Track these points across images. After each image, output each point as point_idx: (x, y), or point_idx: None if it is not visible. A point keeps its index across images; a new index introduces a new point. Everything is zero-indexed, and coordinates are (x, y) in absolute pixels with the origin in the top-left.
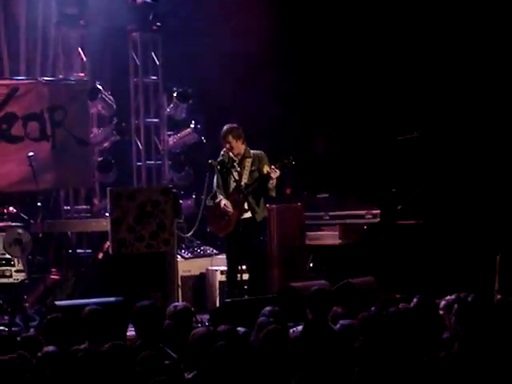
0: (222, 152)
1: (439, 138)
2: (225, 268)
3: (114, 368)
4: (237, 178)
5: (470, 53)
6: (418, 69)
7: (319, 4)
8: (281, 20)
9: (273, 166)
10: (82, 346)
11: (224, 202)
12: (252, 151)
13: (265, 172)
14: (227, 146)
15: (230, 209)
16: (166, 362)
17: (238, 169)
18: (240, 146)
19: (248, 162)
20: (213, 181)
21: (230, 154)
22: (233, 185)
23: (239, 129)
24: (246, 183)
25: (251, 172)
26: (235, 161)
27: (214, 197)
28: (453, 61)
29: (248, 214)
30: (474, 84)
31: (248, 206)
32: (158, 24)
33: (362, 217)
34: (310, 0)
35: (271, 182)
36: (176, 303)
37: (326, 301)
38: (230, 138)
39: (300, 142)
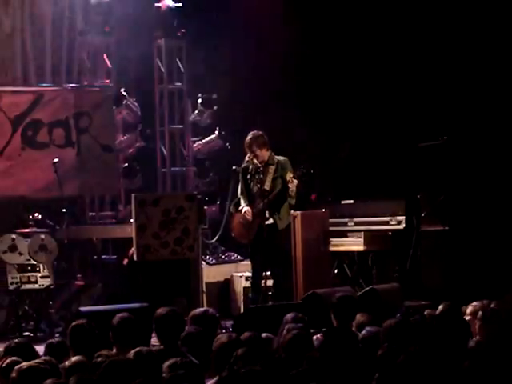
0: (246, 158)
1: (464, 143)
2: (249, 274)
3: (140, 374)
4: (259, 184)
5: (494, 58)
6: (443, 75)
7: (342, 14)
8: (305, 28)
9: (291, 175)
10: (105, 352)
11: (245, 209)
12: (276, 157)
13: (287, 179)
14: (251, 154)
15: (249, 216)
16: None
17: (261, 176)
18: (264, 154)
19: (271, 169)
20: (237, 187)
21: (255, 160)
22: (256, 191)
23: (263, 136)
24: (268, 190)
25: (274, 179)
26: (259, 167)
27: (238, 204)
28: (476, 66)
29: (271, 221)
30: (501, 89)
31: (269, 212)
32: (183, 30)
33: (386, 223)
34: (332, 11)
35: (290, 190)
36: (203, 308)
37: (350, 307)
38: (254, 147)
39: (325, 148)
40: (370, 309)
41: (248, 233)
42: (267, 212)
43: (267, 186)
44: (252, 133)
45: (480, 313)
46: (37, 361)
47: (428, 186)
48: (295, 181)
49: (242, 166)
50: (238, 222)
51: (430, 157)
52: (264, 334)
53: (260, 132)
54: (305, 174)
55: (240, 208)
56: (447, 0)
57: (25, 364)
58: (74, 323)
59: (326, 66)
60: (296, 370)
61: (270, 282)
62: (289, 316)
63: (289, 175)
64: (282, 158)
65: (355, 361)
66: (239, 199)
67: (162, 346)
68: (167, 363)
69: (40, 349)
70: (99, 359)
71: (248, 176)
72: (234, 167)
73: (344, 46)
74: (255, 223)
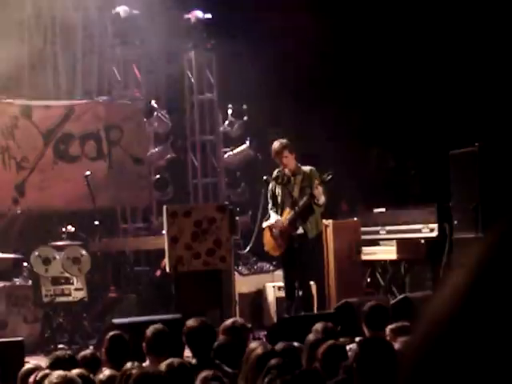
0: (276, 170)
1: (496, 149)
2: (282, 284)
3: None
4: (289, 194)
5: None
6: (476, 81)
7: (370, 22)
8: (333, 37)
9: (316, 182)
10: (135, 364)
11: (273, 222)
12: (302, 167)
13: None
14: (283, 160)
15: (277, 229)
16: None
17: (290, 185)
18: (292, 161)
19: (298, 179)
20: (267, 198)
21: (286, 170)
22: (287, 202)
23: (288, 144)
24: (297, 200)
25: (302, 189)
26: (289, 177)
27: (268, 217)
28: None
29: (301, 230)
30: None
31: (299, 222)
32: (213, 42)
33: (418, 231)
34: (361, 21)
35: (316, 199)
36: (232, 319)
37: (382, 317)
38: (286, 152)
39: (355, 154)
40: (404, 318)
41: (280, 244)
42: (297, 222)
43: (296, 195)
44: (279, 140)
45: None
46: (68, 374)
47: (460, 193)
48: (320, 187)
49: (273, 176)
50: (269, 235)
51: (461, 164)
52: (296, 344)
53: (286, 140)
54: (331, 179)
55: (270, 222)
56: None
57: (55, 377)
58: (109, 335)
59: (356, 72)
60: (332, 381)
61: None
62: (318, 326)
63: (315, 183)
64: (308, 167)
65: (392, 371)
66: (269, 214)
67: (194, 359)
68: (201, 376)
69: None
70: (130, 371)
71: (277, 187)
72: (264, 177)
73: (373, 50)
74: (286, 234)
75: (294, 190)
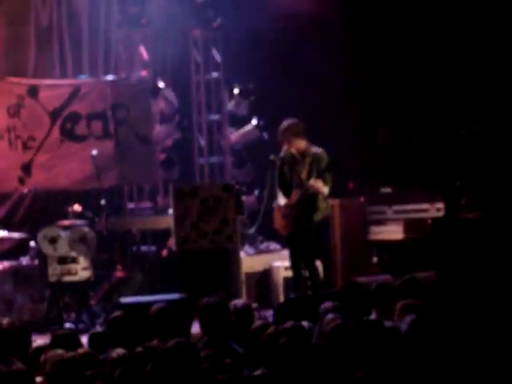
0: (283, 150)
1: (503, 129)
2: (288, 264)
3: (179, 366)
4: (297, 175)
5: None
6: (483, 61)
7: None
8: (346, 16)
9: (311, 181)
10: (147, 344)
11: (284, 201)
12: (313, 148)
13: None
14: (286, 142)
15: (286, 210)
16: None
17: (298, 167)
18: (300, 143)
19: (307, 161)
20: (274, 177)
21: (292, 150)
22: (295, 182)
23: (298, 125)
24: (304, 181)
25: (310, 171)
26: (296, 158)
27: (278, 197)
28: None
29: (308, 211)
30: None
31: (307, 203)
32: (219, 21)
33: (426, 211)
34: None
35: (320, 196)
36: (235, 301)
37: (388, 296)
38: (290, 135)
39: (363, 135)
40: (411, 297)
41: (287, 224)
42: (304, 203)
43: (304, 177)
44: (287, 121)
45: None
46: (73, 353)
47: (467, 172)
48: (318, 181)
49: (280, 156)
50: (278, 214)
51: (468, 144)
52: (304, 323)
53: (296, 120)
54: (333, 166)
55: (279, 201)
56: None
57: (59, 356)
58: (112, 315)
59: (366, 52)
60: (337, 360)
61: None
62: (327, 305)
63: (311, 181)
64: (319, 149)
65: (397, 350)
66: (279, 193)
67: (206, 337)
68: (203, 354)
69: (81, 340)
70: (140, 350)
71: (285, 167)
72: (271, 157)
73: (380, 31)
74: (293, 214)
75: (302, 170)
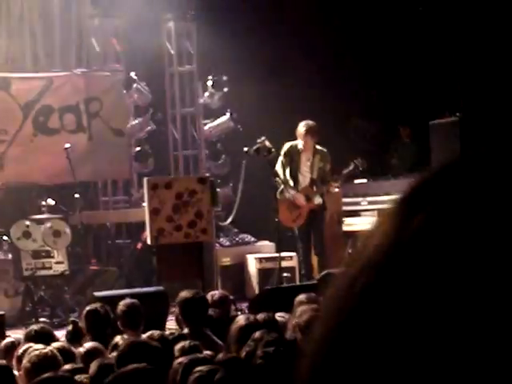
0: (289, 144)
1: (477, 119)
2: (263, 256)
3: (152, 359)
4: (308, 171)
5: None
6: (456, 52)
7: None
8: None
9: (335, 184)
10: (118, 337)
11: (298, 195)
12: (317, 147)
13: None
14: (305, 140)
15: (303, 201)
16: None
17: (308, 163)
18: (312, 143)
19: (317, 158)
20: (250, 170)
21: (299, 146)
22: (304, 177)
23: (316, 127)
24: (315, 179)
25: (319, 168)
26: (307, 155)
27: (285, 190)
28: (491, 43)
29: (319, 200)
30: None
31: (317, 197)
32: (192, 12)
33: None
34: None
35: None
36: (213, 292)
37: None
38: (314, 135)
39: (337, 125)
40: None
41: (297, 218)
42: (315, 197)
43: (315, 175)
44: (308, 123)
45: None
46: (51, 347)
47: (440, 163)
48: (335, 185)
49: (286, 148)
50: (284, 207)
51: (442, 134)
52: (279, 314)
53: (312, 123)
54: (359, 167)
55: (289, 194)
56: None
57: (38, 351)
58: (88, 308)
59: (342, 41)
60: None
61: (284, 264)
62: (302, 297)
63: (329, 173)
64: (324, 149)
65: None
66: (285, 185)
67: (186, 329)
68: (177, 347)
69: (56, 334)
70: (115, 342)
71: (287, 160)
72: (245, 149)
73: (358, 21)
74: (305, 208)
75: (313, 168)
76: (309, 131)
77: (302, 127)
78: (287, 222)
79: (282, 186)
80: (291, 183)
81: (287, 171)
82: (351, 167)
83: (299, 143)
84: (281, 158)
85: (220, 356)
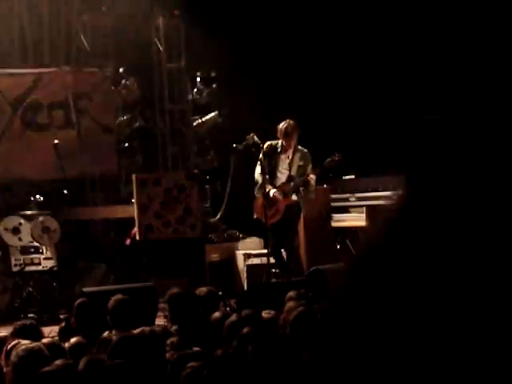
0: (271, 142)
1: (465, 117)
2: (252, 252)
3: (144, 355)
4: (286, 168)
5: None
6: (445, 49)
7: None
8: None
9: (311, 174)
10: (106, 334)
11: (273, 190)
12: (299, 147)
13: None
14: (287, 140)
15: (280, 196)
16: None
17: (287, 161)
18: (295, 140)
19: (296, 157)
20: (238, 165)
21: (279, 144)
22: (282, 175)
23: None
24: (294, 176)
25: (299, 166)
26: (286, 154)
27: (262, 187)
28: (476, 40)
29: (295, 198)
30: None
31: (295, 194)
32: (181, 9)
33: (388, 198)
34: None
35: (310, 185)
36: (201, 288)
37: None
38: (295, 134)
39: (325, 122)
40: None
41: (274, 214)
42: (291, 193)
43: (294, 172)
44: (290, 121)
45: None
46: (39, 343)
47: (429, 159)
48: (313, 176)
49: (267, 145)
50: (261, 204)
51: (431, 130)
52: (267, 311)
53: (294, 122)
54: (337, 161)
55: (266, 191)
56: None
57: (25, 346)
58: (77, 302)
59: (327, 38)
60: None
61: (273, 260)
62: (292, 293)
63: (309, 171)
64: (304, 149)
65: None
66: (263, 183)
67: (174, 326)
68: (168, 341)
69: (45, 330)
70: (105, 338)
71: (266, 158)
72: (234, 145)
73: (343, 18)
74: (282, 205)
75: (292, 165)
76: (289, 130)
77: (282, 126)
78: (264, 218)
79: (260, 184)
80: (268, 180)
81: (266, 170)
82: (328, 160)
83: (279, 142)
84: (260, 157)
85: (213, 352)
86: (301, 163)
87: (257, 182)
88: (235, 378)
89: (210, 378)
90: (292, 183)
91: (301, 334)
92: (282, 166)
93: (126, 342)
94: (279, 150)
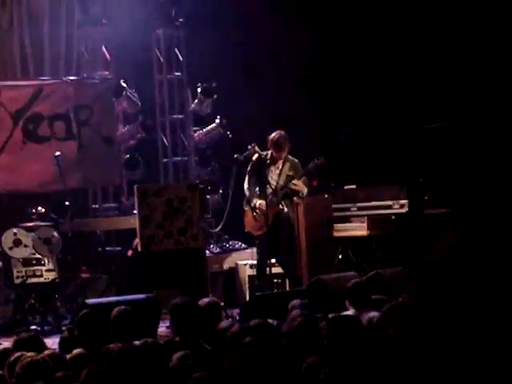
0: (260, 153)
1: (467, 125)
2: (254, 262)
3: (147, 365)
4: (275, 179)
5: (497, 40)
6: (446, 57)
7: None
8: (303, 12)
9: (294, 181)
10: (112, 346)
11: (259, 202)
12: (289, 157)
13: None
14: (277, 151)
15: (264, 208)
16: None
17: (277, 171)
18: (286, 151)
19: (286, 167)
20: (240, 176)
21: (268, 155)
22: (271, 184)
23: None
24: (282, 185)
25: (288, 176)
26: (275, 164)
27: (249, 200)
28: (478, 48)
29: (285, 209)
30: (504, 70)
31: (284, 203)
32: (181, 20)
33: (389, 207)
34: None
35: (300, 193)
36: (203, 298)
37: (366, 293)
38: (285, 146)
39: (326, 132)
40: (376, 293)
41: (262, 225)
42: (279, 203)
43: (281, 181)
44: (281, 132)
45: None
46: (42, 354)
47: (430, 169)
48: (296, 182)
49: (256, 157)
50: (250, 217)
51: (431, 139)
52: (271, 321)
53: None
54: (319, 165)
55: (252, 204)
56: None
57: (30, 358)
58: (81, 313)
59: (326, 49)
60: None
61: (275, 270)
62: (294, 303)
63: (292, 181)
64: (294, 159)
65: (361, 347)
66: (250, 195)
67: (177, 337)
68: (176, 355)
69: (47, 342)
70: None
71: (260, 170)
72: (235, 155)
73: (343, 27)
74: (269, 215)
75: (281, 175)
76: (280, 141)
77: (273, 137)
78: (254, 230)
79: (247, 197)
80: (257, 193)
81: (253, 181)
82: (311, 164)
83: (268, 153)
84: (248, 169)
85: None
86: (290, 173)
87: (245, 195)
88: None
89: None
90: (279, 193)
91: (303, 342)
92: (272, 177)
93: (127, 353)
94: (268, 161)
